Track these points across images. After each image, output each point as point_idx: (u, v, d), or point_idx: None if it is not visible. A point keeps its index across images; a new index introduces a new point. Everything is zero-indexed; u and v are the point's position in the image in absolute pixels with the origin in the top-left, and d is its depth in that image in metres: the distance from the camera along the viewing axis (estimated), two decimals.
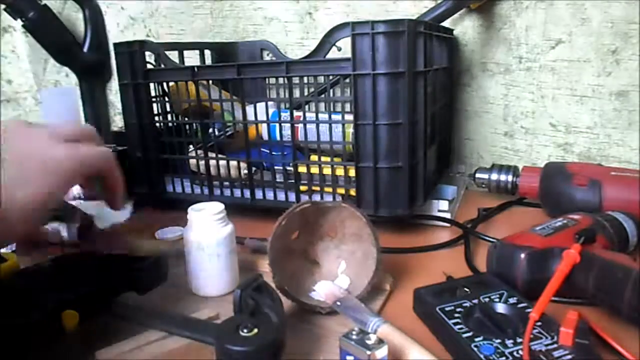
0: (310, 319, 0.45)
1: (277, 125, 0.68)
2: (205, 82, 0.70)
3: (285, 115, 0.68)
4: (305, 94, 0.81)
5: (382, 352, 0.34)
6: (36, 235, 0.42)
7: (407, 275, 0.55)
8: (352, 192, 0.64)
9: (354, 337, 0.34)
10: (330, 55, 0.60)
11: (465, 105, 0.89)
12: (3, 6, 0.97)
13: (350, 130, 0.63)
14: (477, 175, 0.80)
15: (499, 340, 0.38)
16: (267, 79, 0.95)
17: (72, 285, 0.43)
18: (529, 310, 0.41)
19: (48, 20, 1.01)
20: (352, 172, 0.63)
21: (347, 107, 0.63)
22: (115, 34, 1.13)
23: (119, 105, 0.78)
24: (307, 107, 0.69)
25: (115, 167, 0.44)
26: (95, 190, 0.45)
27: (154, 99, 0.74)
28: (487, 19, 0.84)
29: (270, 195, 0.70)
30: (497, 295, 0.44)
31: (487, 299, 0.44)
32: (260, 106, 0.69)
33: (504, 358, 0.36)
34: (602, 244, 0.50)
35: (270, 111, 0.69)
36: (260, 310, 0.39)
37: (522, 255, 0.47)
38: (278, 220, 0.48)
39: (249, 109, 0.70)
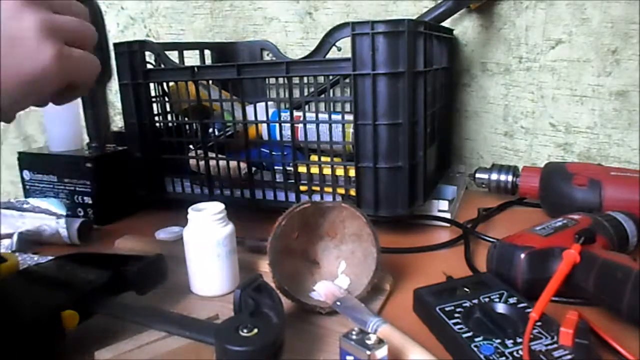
0: (310, 319, 0.45)
1: (277, 125, 0.68)
2: (205, 82, 0.70)
3: (285, 115, 0.68)
4: (305, 94, 0.81)
5: (382, 352, 0.34)
6: None
7: (407, 275, 0.55)
8: (352, 192, 0.64)
9: (354, 337, 0.34)
10: (330, 55, 0.60)
11: (465, 105, 0.89)
12: None
13: (350, 130, 0.63)
14: (477, 175, 0.80)
15: (499, 340, 0.38)
16: (267, 79, 0.95)
17: (72, 285, 0.43)
18: (529, 310, 0.41)
19: None
20: (352, 172, 0.63)
21: (347, 107, 0.63)
22: (115, 34, 1.13)
23: (119, 105, 0.78)
24: (307, 107, 0.69)
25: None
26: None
27: (154, 99, 0.74)
28: (487, 19, 0.84)
29: (270, 195, 0.70)
30: (497, 295, 0.44)
31: (487, 299, 0.44)
32: (260, 106, 0.69)
33: (504, 358, 0.36)
34: (602, 244, 0.50)
35: (270, 111, 0.68)
36: (260, 310, 0.39)
37: (522, 255, 0.47)
38: (278, 220, 0.48)
39: (249, 109, 0.70)
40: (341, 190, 0.66)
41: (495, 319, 0.41)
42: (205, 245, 0.49)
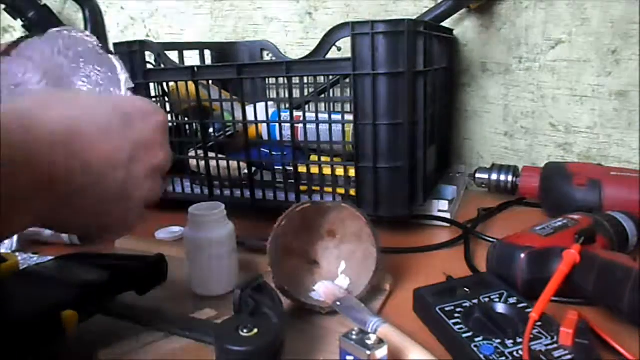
0: (310, 319, 0.45)
1: (277, 125, 0.68)
2: (205, 82, 0.70)
3: (285, 115, 0.68)
4: (305, 94, 0.81)
5: (382, 352, 0.34)
6: None
7: (407, 275, 0.55)
8: (352, 192, 0.64)
9: (354, 337, 0.34)
10: (330, 55, 0.60)
11: (465, 105, 0.89)
12: (3, 6, 0.97)
13: (350, 130, 0.63)
14: (477, 175, 0.80)
15: (499, 340, 0.38)
16: (267, 79, 0.95)
17: (72, 285, 0.43)
18: (529, 310, 0.41)
19: (48, 20, 1.01)
20: (352, 172, 0.63)
21: (347, 107, 0.63)
22: (115, 34, 1.13)
23: None
24: (307, 107, 0.69)
25: None
26: None
27: (153, 99, 0.74)
28: (487, 19, 0.84)
29: (270, 195, 0.70)
30: (497, 295, 0.44)
31: (487, 299, 0.44)
32: (260, 106, 0.69)
33: (504, 358, 0.36)
34: (602, 244, 0.50)
35: (270, 111, 0.68)
36: (260, 310, 0.39)
37: (522, 255, 0.47)
38: (278, 220, 0.48)
39: (249, 109, 0.70)
40: (341, 190, 0.66)
41: (495, 319, 0.41)
42: (206, 245, 0.49)
